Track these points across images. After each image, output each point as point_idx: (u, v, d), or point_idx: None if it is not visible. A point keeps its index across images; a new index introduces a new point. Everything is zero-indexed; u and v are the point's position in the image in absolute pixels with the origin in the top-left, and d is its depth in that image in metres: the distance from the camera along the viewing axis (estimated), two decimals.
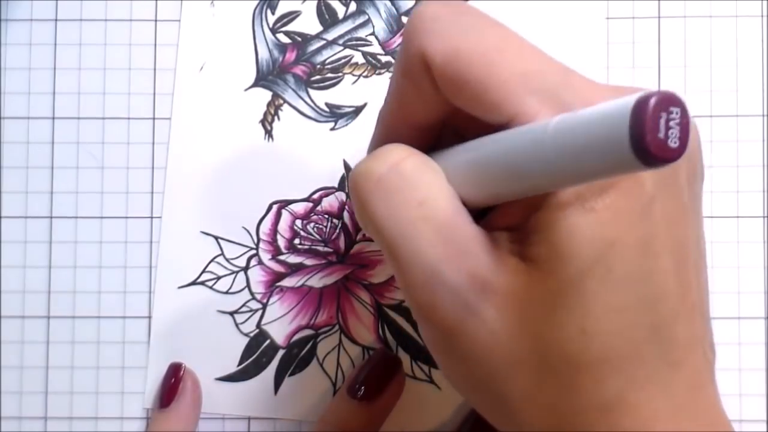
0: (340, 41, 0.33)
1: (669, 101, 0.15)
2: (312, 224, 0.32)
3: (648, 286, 0.19)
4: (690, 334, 0.20)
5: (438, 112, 0.22)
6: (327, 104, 0.33)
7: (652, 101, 0.15)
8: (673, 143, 0.15)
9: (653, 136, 0.15)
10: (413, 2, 0.33)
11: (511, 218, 0.20)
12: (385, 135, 0.23)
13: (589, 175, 0.17)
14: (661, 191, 0.19)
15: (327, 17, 0.33)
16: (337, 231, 0.32)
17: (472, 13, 0.21)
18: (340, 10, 0.33)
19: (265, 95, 0.33)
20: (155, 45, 0.33)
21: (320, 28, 0.33)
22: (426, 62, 0.20)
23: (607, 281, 0.19)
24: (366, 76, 0.33)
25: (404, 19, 0.33)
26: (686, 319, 0.20)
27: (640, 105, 0.15)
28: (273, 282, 0.32)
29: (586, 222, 0.18)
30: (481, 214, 0.21)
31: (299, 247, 0.32)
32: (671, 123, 0.15)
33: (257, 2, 0.33)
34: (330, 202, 0.32)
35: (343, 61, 0.33)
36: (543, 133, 0.17)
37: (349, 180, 0.22)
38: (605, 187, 0.18)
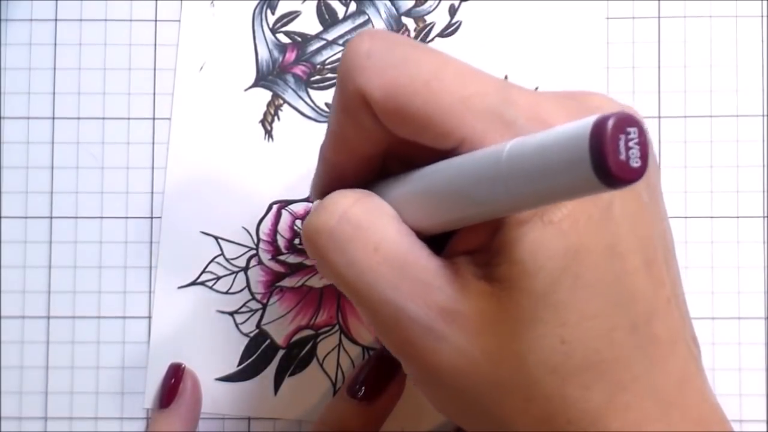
0: (340, 41, 0.33)
1: (625, 122, 0.15)
2: None
3: (619, 288, 0.19)
4: (669, 329, 0.20)
5: (381, 144, 0.22)
6: (327, 104, 0.33)
7: (610, 125, 0.15)
8: (635, 163, 0.15)
9: (615, 159, 0.15)
10: (413, 2, 0.33)
11: (473, 242, 0.20)
12: (329, 170, 0.23)
13: (548, 199, 0.17)
14: (617, 193, 0.19)
15: (327, 17, 0.33)
16: None
17: (405, 43, 0.21)
18: (340, 10, 0.33)
19: (265, 95, 0.33)
20: (155, 45, 0.33)
21: (320, 28, 0.33)
22: (365, 99, 0.20)
23: (578, 289, 0.19)
24: None
25: (404, 19, 0.33)
26: (663, 315, 0.20)
27: (598, 129, 0.15)
28: (273, 282, 0.32)
29: (546, 235, 0.19)
30: (441, 240, 0.21)
31: (299, 247, 0.32)
32: (630, 143, 0.15)
33: (257, 2, 0.33)
34: None
35: None
36: (497, 161, 0.17)
37: (302, 235, 0.22)
38: (533, 216, 0.19)
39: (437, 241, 0.21)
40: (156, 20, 0.33)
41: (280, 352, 0.32)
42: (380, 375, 0.31)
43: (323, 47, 0.33)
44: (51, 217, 0.32)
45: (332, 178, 0.23)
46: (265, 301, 0.32)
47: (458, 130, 0.19)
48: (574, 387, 0.19)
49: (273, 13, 0.33)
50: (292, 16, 0.33)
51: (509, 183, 0.17)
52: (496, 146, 0.17)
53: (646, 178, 0.20)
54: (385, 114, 0.20)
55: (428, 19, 0.33)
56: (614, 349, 0.19)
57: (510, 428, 0.20)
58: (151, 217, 0.32)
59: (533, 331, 0.19)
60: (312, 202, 0.33)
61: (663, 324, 0.20)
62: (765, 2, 0.33)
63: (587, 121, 0.15)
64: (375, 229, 0.20)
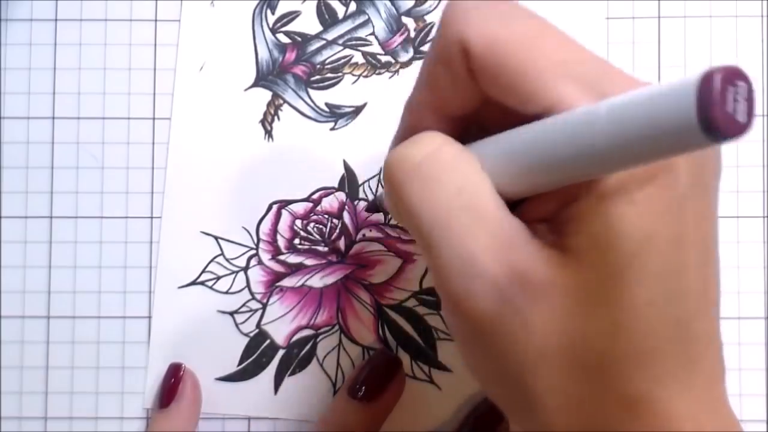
0: (340, 41, 0.33)
1: (735, 75, 0.14)
2: (312, 224, 0.32)
3: (676, 282, 0.19)
4: (708, 330, 0.20)
5: (470, 102, 0.21)
6: (327, 104, 0.33)
7: (720, 75, 0.14)
8: (741, 118, 0.14)
9: (722, 110, 0.14)
10: (413, 2, 0.33)
11: (545, 210, 0.20)
12: (413, 125, 0.23)
13: (648, 156, 0.16)
14: (693, 187, 0.19)
15: (327, 17, 0.33)
16: (337, 231, 0.32)
17: (509, 4, 0.21)
18: (340, 10, 0.33)
19: (265, 95, 0.33)
20: (155, 45, 0.33)
21: (320, 28, 0.33)
22: (464, 49, 0.20)
23: (642, 275, 0.18)
24: (366, 76, 0.33)
25: (404, 19, 0.33)
26: (705, 315, 0.20)
27: (707, 79, 0.14)
28: (273, 282, 0.32)
29: (627, 214, 0.18)
30: (511, 208, 0.21)
31: (299, 247, 0.32)
32: (738, 97, 0.14)
33: (257, 2, 0.33)
34: (330, 202, 0.32)
35: (342, 61, 0.33)
36: (595, 116, 0.17)
37: (384, 165, 0.21)
38: (644, 180, 0.18)
39: (510, 208, 0.21)
40: (156, 20, 0.33)
41: (280, 352, 0.32)
42: (380, 375, 0.31)
43: (323, 47, 0.33)
44: (51, 217, 0.32)
45: (414, 132, 0.22)
46: (265, 301, 0.32)
47: (550, 93, 0.19)
48: (614, 374, 0.19)
49: (273, 13, 0.33)
50: (292, 16, 0.33)
51: (605, 139, 0.16)
52: (590, 106, 0.17)
53: (716, 176, 0.20)
54: (482, 67, 0.20)
55: (428, 18, 0.33)
56: (658, 341, 0.19)
57: (539, 405, 0.20)
58: (151, 217, 0.32)
59: (592, 309, 0.19)
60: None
61: (704, 325, 0.20)
62: (765, 2, 0.33)
63: (695, 74, 0.14)
64: (461, 174, 0.20)
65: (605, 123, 0.16)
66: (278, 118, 0.33)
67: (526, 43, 0.20)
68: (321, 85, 0.33)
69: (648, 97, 0.16)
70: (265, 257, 0.32)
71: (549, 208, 0.20)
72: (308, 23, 0.33)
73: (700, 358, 0.19)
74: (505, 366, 0.20)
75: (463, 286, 0.19)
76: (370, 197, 0.32)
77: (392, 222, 0.32)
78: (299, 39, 0.33)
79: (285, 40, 0.33)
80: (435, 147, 0.20)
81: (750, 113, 0.14)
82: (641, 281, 0.18)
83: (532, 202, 0.20)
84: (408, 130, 0.23)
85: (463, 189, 0.20)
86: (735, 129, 0.14)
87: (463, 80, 0.21)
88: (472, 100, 0.21)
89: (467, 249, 0.19)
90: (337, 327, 0.32)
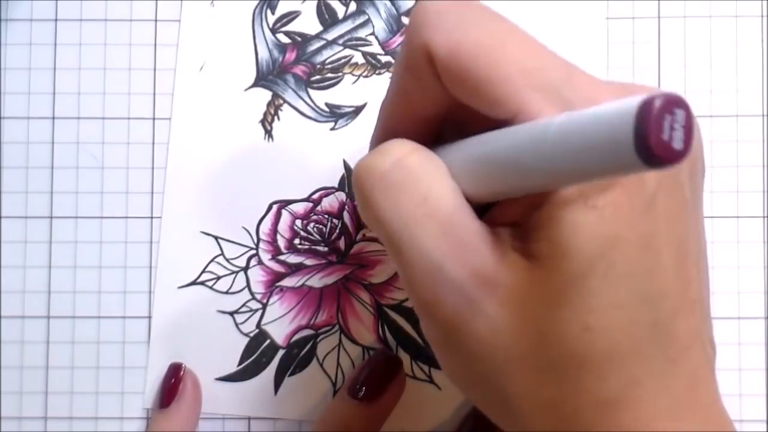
0: (340, 41, 0.33)
1: (673, 103, 0.15)
2: (312, 224, 0.32)
3: (649, 283, 0.19)
4: (689, 330, 0.20)
5: (440, 106, 0.22)
6: (327, 104, 0.33)
7: (657, 103, 0.15)
8: (677, 145, 0.15)
9: (657, 138, 0.15)
10: (413, 2, 0.33)
11: (513, 214, 0.20)
12: (387, 129, 0.23)
13: (591, 175, 0.17)
14: (663, 187, 0.19)
15: (327, 17, 0.33)
16: (337, 231, 0.32)
17: (475, 7, 0.21)
18: (340, 10, 0.33)
19: (265, 95, 0.33)
20: (155, 45, 0.33)
21: (320, 28, 0.33)
22: (429, 56, 0.20)
23: (609, 278, 0.19)
24: (366, 76, 0.33)
25: (404, 19, 0.33)
26: (686, 315, 0.20)
27: (645, 106, 0.15)
28: (273, 282, 0.32)
29: (588, 219, 0.18)
30: (482, 210, 0.21)
31: (299, 247, 0.32)
32: (675, 125, 0.15)
33: (257, 2, 0.33)
34: (330, 202, 0.32)
35: (343, 61, 0.33)
36: (546, 132, 0.17)
37: (352, 174, 0.22)
38: (607, 184, 0.19)
39: (478, 212, 0.21)
40: (156, 20, 0.33)
41: (280, 352, 0.32)
42: (381, 375, 0.31)
43: (323, 47, 0.33)
44: (51, 217, 0.32)
45: (389, 137, 0.23)
46: (265, 301, 0.32)
47: (515, 101, 0.19)
48: (589, 376, 0.19)
49: (273, 13, 0.33)
50: (292, 16, 0.33)
51: (554, 155, 0.17)
52: (547, 119, 0.18)
53: (692, 174, 0.20)
54: (447, 73, 0.20)
55: None
56: (634, 342, 0.19)
57: (515, 408, 0.20)
58: (151, 217, 0.32)
59: (558, 314, 0.19)
60: None
61: (684, 324, 0.20)
62: (765, 2, 0.33)
63: (636, 99, 0.15)
64: (427, 181, 0.20)
65: (553, 140, 0.17)
66: (278, 118, 0.33)
67: (490, 49, 0.20)
68: (321, 85, 0.33)
69: (594, 118, 0.16)
70: (265, 257, 0.32)
71: (516, 213, 0.20)
72: (308, 23, 0.33)
73: (680, 358, 0.19)
74: (479, 370, 0.20)
75: (430, 291, 0.20)
76: None
77: None
78: (299, 39, 0.33)
79: (285, 40, 0.33)
80: (401, 155, 0.21)
81: (687, 141, 0.15)
82: (608, 284, 0.19)
83: (499, 206, 0.21)
84: (382, 134, 0.23)
85: (428, 196, 0.20)
86: (671, 156, 0.15)
87: (430, 86, 0.21)
88: (441, 104, 0.21)
89: (432, 256, 0.20)
90: (337, 327, 0.32)
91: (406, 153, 0.21)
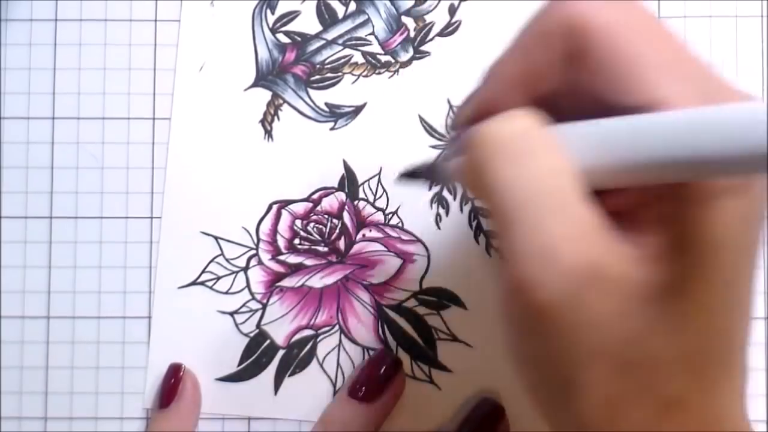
0: (340, 41, 0.33)
1: None
2: (312, 224, 0.32)
3: (733, 293, 0.19)
4: (744, 339, 0.20)
5: (558, 84, 0.21)
6: (327, 104, 0.33)
7: None
8: None
9: None
10: (413, 2, 0.33)
11: (624, 203, 0.19)
12: (492, 92, 0.22)
13: (728, 171, 0.17)
14: (764, 204, 0.19)
15: (327, 17, 0.33)
16: (337, 231, 0.32)
17: None
18: (340, 10, 0.33)
19: (264, 95, 0.33)
20: (155, 45, 0.33)
21: (320, 28, 0.33)
22: (571, 29, 0.19)
23: (711, 283, 0.18)
24: (366, 76, 0.33)
25: (404, 19, 0.33)
26: (747, 325, 0.20)
27: None
28: (273, 282, 0.32)
29: (714, 221, 0.18)
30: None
31: (299, 247, 0.32)
32: None
33: (257, 2, 0.33)
34: (330, 202, 0.32)
35: (342, 60, 0.33)
36: (696, 123, 0.17)
37: (470, 138, 0.21)
38: (734, 189, 0.18)
39: None
40: (156, 20, 0.33)
41: (280, 352, 0.32)
42: (381, 375, 0.31)
43: (323, 47, 0.33)
44: (51, 217, 0.32)
45: (492, 100, 0.21)
46: (265, 301, 0.32)
47: (658, 89, 0.18)
48: (658, 374, 0.18)
49: (273, 13, 0.33)
50: (291, 15, 0.33)
51: (702, 147, 0.17)
52: (691, 110, 0.17)
53: None
54: (591, 50, 0.19)
55: (428, 18, 0.33)
56: (709, 346, 0.19)
57: (577, 395, 0.19)
58: (151, 217, 0.32)
59: (655, 310, 0.18)
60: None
61: (743, 332, 0.20)
62: (765, 2, 0.32)
63: None
64: (552, 157, 0.19)
65: (701, 130, 0.17)
66: (278, 118, 0.33)
67: (641, 35, 0.19)
68: (321, 84, 0.33)
69: (728, 117, 0.16)
70: (265, 257, 0.32)
71: (628, 201, 0.19)
72: (308, 23, 0.33)
73: (738, 365, 0.20)
74: (557, 356, 0.19)
75: (535, 271, 0.19)
76: (371, 197, 0.32)
77: (391, 222, 0.32)
78: (299, 39, 0.33)
79: (285, 40, 0.33)
80: (527, 126, 0.20)
81: None
82: (708, 289, 0.18)
83: (610, 193, 0.20)
84: (486, 96, 0.22)
85: (551, 173, 0.19)
86: None
87: (558, 60, 0.20)
88: (560, 82, 0.20)
89: (547, 235, 0.19)
90: (337, 327, 0.32)
91: (531, 124, 0.20)
